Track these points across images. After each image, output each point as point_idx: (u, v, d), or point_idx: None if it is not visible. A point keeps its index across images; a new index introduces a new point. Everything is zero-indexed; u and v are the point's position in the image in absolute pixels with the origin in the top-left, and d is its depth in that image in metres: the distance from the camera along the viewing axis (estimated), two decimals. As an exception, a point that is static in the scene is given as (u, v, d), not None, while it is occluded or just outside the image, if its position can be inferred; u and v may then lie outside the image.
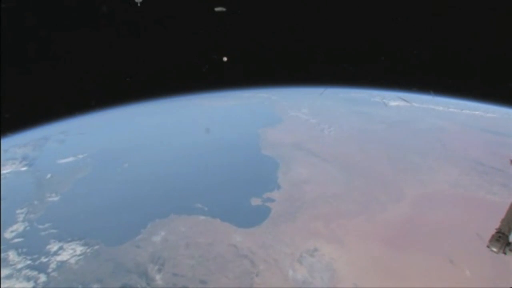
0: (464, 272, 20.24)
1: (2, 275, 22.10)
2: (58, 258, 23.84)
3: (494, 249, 5.73)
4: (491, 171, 32.06)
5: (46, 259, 23.78)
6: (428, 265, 20.86)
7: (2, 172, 37.60)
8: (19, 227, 27.81)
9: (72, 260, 23.54)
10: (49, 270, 22.77)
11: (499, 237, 5.76)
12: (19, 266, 23.14)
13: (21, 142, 47.93)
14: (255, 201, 28.83)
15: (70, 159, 40.73)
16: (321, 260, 21.67)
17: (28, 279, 21.98)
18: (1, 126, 43.88)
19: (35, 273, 22.55)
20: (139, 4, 22.25)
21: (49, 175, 36.80)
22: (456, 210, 26.43)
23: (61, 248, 24.86)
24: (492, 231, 6.04)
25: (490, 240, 5.81)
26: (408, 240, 23.25)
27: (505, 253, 5.68)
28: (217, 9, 25.54)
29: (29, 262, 23.61)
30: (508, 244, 5.72)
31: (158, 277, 21.43)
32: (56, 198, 31.97)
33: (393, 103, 57.98)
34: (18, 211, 29.92)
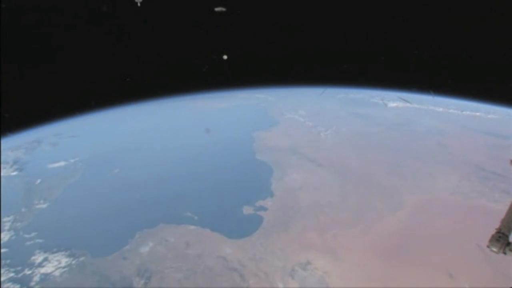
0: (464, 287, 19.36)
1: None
2: (42, 270, 23.03)
3: (494, 249, 5.57)
4: (492, 176, 31.09)
5: (30, 272, 22.96)
6: (426, 279, 19.94)
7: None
8: (4, 236, 27.00)
9: (57, 273, 22.72)
10: (32, 283, 21.97)
11: (499, 237, 5.61)
12: (1, 279, 22.32)
13: (14, 145, 47.16)
14: (247, 210, 27.90)
15: (61, 163, 39.88)
16: (314, 274, 20.76)
17: (9, 293, 21.21)
18: (0, 126, 43.12)
19: (17, 286, 21.76)
20: (139, 4, 21.86)
21: (38, 181, 35.98)
22: (456, 219, 25.46)
23: (46, 259, 24.04)
24: None
25: (490, 240, 5.65)
26: (406, 252, 22.32)
27: (505, 253, 5.52)
28: (217, 9, 25.22)
29: (12, 274, 22.78)
30: (508, 244, 5.55)
31: (143, 291, 20.61)
32: (44, 205, 31.15)
33: (392, 104, 56.89)
34: (5, 219, 29.11)
